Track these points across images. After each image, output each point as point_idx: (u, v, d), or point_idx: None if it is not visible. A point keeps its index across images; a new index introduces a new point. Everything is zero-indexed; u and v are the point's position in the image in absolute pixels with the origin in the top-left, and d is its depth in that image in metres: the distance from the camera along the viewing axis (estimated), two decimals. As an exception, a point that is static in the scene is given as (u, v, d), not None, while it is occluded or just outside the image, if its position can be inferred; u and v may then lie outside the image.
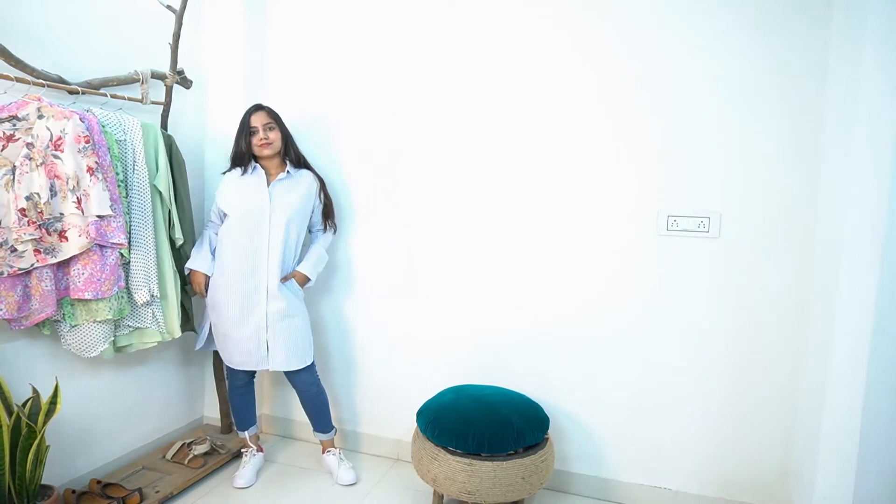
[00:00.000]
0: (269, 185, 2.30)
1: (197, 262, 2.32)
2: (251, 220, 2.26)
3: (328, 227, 2.49)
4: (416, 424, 2.30)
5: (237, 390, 2.46)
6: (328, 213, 2.47)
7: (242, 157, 2.31)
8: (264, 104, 2.36)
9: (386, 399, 2.69)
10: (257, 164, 2.32)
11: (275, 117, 2.33)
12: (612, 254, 2.28)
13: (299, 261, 2.39)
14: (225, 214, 2.32)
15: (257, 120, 2.28)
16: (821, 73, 1.98)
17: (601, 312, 2.33)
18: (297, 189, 2.34)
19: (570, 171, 2.31)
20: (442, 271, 2.56)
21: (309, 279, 2.38)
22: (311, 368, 2.42)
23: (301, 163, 2.41)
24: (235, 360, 2.32)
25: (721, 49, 2.08)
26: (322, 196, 2.43)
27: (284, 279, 2.30)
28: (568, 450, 2.41)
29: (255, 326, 2.27)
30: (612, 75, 2.22)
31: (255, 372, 2.44)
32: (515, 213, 2.41)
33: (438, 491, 2.15)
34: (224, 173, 2.39)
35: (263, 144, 2.27)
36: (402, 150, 2.55)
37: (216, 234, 2.37)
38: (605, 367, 2.34)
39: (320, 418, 2.47)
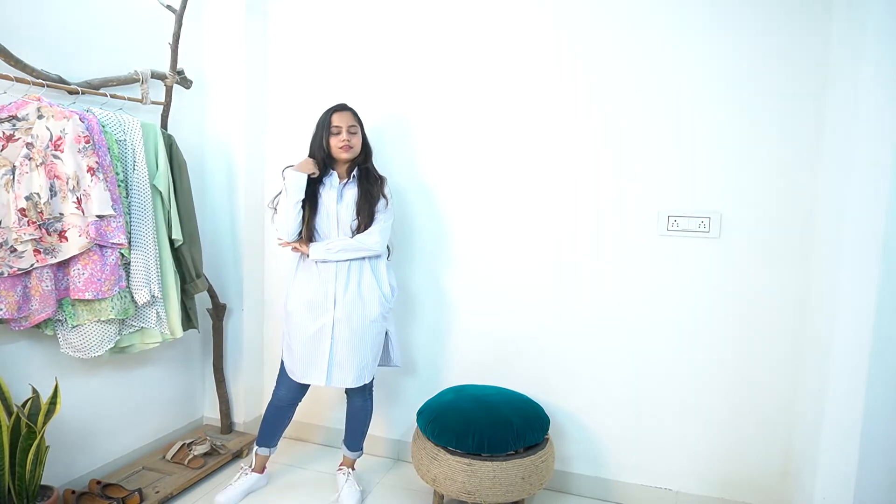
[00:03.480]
0: (339, 189, 2.16)
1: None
2: (323, 224, 2.14)
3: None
4: (416, 425, 2.30)
5: (278, 402, 2.27)
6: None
7: (324, 159, 2.13)
8: (349, 105, 2.18)
9: (386, 399, 2.69)
10: (332, 171, 2.16)
11: (360, 122, 2.18)
12: (613, 254, 2.28)
13: (376, 274, 2.19)
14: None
15: (341, 119, 2.12)
16: (821, 74, 1.98)
17: (602, 313, 2.33)
18: (361, 192, 2.18)
19: (570, 173, 2.31)
20: (441, 271, 2.56)
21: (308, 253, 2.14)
22: (364, 388, 2.28)
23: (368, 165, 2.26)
24: (298, 371, 2.16)
25: (721, 49, 2.08)
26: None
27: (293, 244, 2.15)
28: (568, 450, 2.41)
29: (319, 336, 2.12)
30: (613, 77, 2.22)
31: (303, 393, 2.28)
32: (515, 213, 2.41)
33: (438, 491, 2.15)
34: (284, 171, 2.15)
35: (345, 147, 2.11)
36: (401, 152, 2.56)
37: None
38: (605, 368, 2.34)
39: (355, 436, 2.36)
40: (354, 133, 2.14)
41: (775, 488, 2.16)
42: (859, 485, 1.82)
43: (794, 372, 2.10)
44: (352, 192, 2.17)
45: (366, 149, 2.21)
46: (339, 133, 2.11)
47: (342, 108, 2.16)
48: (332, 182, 2.17)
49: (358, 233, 2.14)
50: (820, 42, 1.97)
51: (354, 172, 2.18)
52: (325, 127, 2.13)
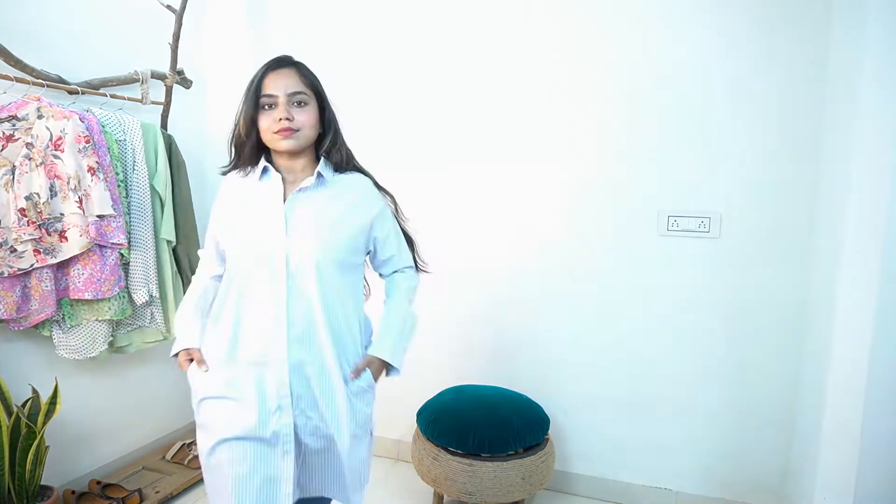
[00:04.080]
0: (285, 199, 1.34)
1: (181, 340, 1.37)
2: (258, 262, 1.29)
3: (409, 263, 1.59)
4: (416, 425, 2.30)
5: None
6: (406, 241, 1.56)
7: (244, 148, 1.36)
8: (294, 58, 1.37)
9: (386, 399, 2.68)
10: (269, 165, 1.36)
11: (311, 83, 1.35)
12: (613, 254, 2.28)
13: (367, 334, 1.49)
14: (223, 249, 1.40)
15: (276, 83, 1.29)
16: (821, 73, 1.98)
17: (602, 313, 2.32)
18: (336, 205, 1.36)
19: (570, 173, 2.31)
20: (440, 270, 2.55)
21: (392, 367, 1.47)
22: None
23: (348, 165, 1.43)
24: None
25: (721, 49, 2.08)
26: (392, 217, 1.50)
27: (355, 373, 1.38)
28: (568, 450, 2.41)
29: (268, 454, 1.28)
30: (613, 77, 2.22)
31: None
32: (515, 213, 2.41)
33: (439, 491, 2.15)
34: (224, 173, 1.44)
35: (283, 131, 1.29)
36: (404, 151, 2.55)
37: (212, 279, 1.46)
38: (605, 368, 2.34)
39: None
40: (302, 104, 1.32)
41: (775, 488, 2.16)
42: (859, 485, 1.82)
43: (794, 372, 2.10)
44: (320, 200, 1.36)
45: (328, 127, 1.40)
46: (272, 107, 1.30)
47: (280, 63, 1.33)
48: (273, 190, 1.35)
49: (390, 272, 1.54)
50: (820, 41, 1.97)
51: (322, 168, 1.37)
52: (249, 97, 1.31)
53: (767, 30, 2.03)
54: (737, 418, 2.19)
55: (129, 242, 2.08)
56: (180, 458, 2.42)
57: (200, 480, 2.39)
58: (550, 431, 2.33)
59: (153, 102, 2.31)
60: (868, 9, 1.71)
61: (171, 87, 2.35)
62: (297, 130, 1.31)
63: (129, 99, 2.23)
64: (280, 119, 1.28)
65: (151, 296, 2.15)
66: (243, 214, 1.35)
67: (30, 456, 1.78)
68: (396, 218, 1.52)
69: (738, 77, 2.07)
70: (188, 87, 2.51)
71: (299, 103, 1.31)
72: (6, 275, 1.81)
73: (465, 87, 2.44)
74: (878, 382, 1.79)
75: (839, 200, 1.84)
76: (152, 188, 2.19)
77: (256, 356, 1.29)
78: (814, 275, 2.01)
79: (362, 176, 1.45)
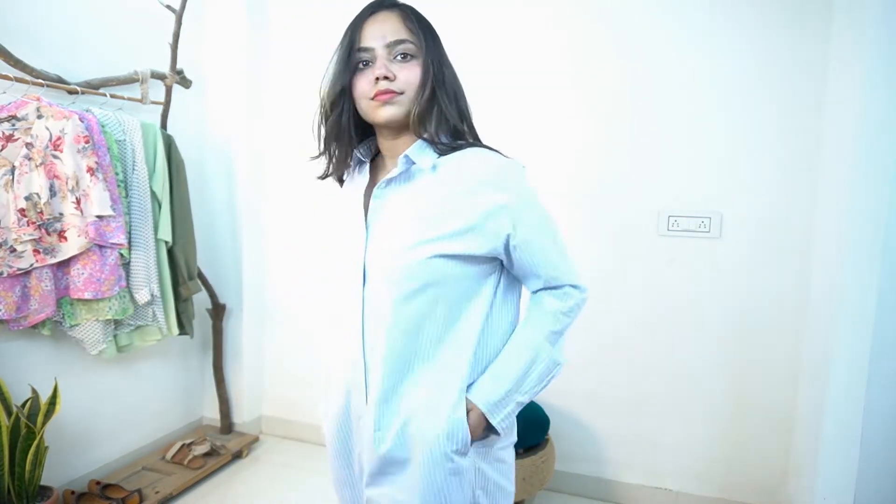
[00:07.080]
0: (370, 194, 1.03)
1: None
2: (343, 286, 1.05)
3: (570, 281, 1.03)
4: (416, 425, 2.30)
5: None
6: (544, 254, 1.00)
7: (334, 135, 1.05)
8: None
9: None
10: (359, 153, 1.08)
11: (420, 29, 1.00)
12: (613, 254, 2.28)
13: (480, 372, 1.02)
14: None
15: (373, 31, 0.99)
16: (821, 72, 1.98)
17: (601, 313, 2.32)
18: (432, 198, 0.98)
19: (570, 173, 2.31)
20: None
21: (490, 427, 1.02)
22: None
23: (459, 140, 1.04)
24: None
25: (721, 49, 2.08)
26: (537, 212, 1.02)
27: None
28: (568, 450, 2.41)
29: None
30: (612, 76, 2.22)
31: None
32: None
33: (438, 491, 2.14)
34: (321, 178, 1.12)
35: (380, 95, 0.96)
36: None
37: None
38: (605, 368, 2.34)
39: None
40: (408, 56, 0.98)
41: (775, 488, 2.16)
42: (859, 485, 1.82)
43: (794, 372, 2.10)
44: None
45: (436, 87, 1.00)
46: (368, 64, 0.99)
47: (379, 5, 1.03)
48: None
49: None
50: (820, 40, 1.97)
51: (416, 151, 0.99)
52: (340, 55, 1.02)
53: (768, 30, 2.03)
54: (737, 418, 2.19)
55: (129, 242, 2.08)
56: (180, 458, 2.42)
57: (200, 481, 2.39)
58: (550, 432, 2.33)
59: (153, 102, 2.31)
60: (869, 9, 1.71)
61: (171, 86, 2.35)
62: (401, 93, 0.96)
63: (129, 99, 2.23)
64: (377, 78, 0.95)
65: (153, 295, 2.16)
66: (338, 227, 1.08)
67: (29, 456, 1.78)
68: (543, 213, 1.02)
69: (738, 77, 2.07)
70: (188, 87, 2.50)
71: (403, 56, 0.97)
72: (5, 275, 1.81)
73: (465, 86, 2.44)
74: (878, 382, 1.79)
75: (839, 200, 1.84)
76: (152, 188, 2.19)
77: (343, 406, 1.06)
78: (814, 275, 2.01)
79: (486, 152, 1.02)
